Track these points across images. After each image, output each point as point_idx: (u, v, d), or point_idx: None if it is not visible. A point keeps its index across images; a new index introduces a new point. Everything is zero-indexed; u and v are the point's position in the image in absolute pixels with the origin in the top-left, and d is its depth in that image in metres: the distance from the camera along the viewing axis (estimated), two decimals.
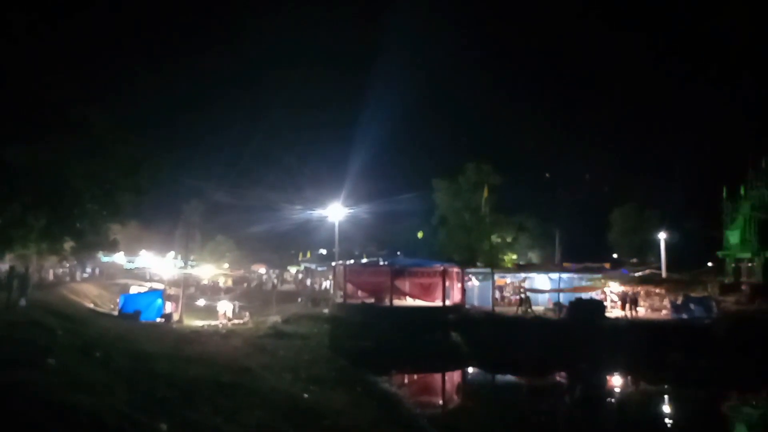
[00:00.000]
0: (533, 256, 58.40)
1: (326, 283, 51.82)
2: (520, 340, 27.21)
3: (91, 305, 32.40)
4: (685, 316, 30.84)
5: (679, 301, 32.62)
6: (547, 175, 56.10)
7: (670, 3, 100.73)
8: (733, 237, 40.35)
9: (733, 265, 40.60)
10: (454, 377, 26.31)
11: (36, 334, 15.37)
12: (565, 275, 37.21)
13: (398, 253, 56.82)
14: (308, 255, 68.70)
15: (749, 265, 39.55)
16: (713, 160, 59.05)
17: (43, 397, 8.89)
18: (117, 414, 9.24)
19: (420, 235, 58.53)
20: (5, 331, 14.69)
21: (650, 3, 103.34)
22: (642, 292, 35.77)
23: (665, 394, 23.10)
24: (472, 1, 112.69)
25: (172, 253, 51.01)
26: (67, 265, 41.39)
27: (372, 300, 33.13)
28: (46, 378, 10.35)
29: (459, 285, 35.09)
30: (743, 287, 35.26)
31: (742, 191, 40.13)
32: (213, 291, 49.55)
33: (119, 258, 48.67)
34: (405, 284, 33.56)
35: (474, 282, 39.58)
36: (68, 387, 10.04)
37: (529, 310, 32.69)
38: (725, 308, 31.25)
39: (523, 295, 34.69)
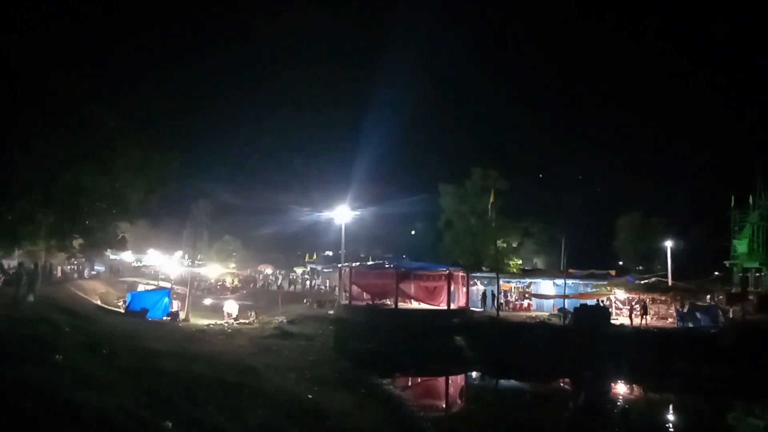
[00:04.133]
0: (538, 262, 58.27)
1: (325, 282, 52.06)
2: (524, 346, 27.20)
3: (99, 302, 32.59)
4: (691, 324, 30.69)
5: (686, 309, 32.48)
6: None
7: (680, 8, 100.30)
8: (741, 246, 40.19)
9: (740, 274, 40.42)
10: (457, 381, 26.29)
11: (43, 331, 15.50)
12: (570, 281, 37.15)
13: (404, 256, 56.84)
14: (314, 256, 68.83)
15: (757, 274, 39.39)
16: (721, 169, 58.74)
17: (49, 394, 8.98)
18: (122, 411, 9.33)
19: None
20: (13, 327, 14.82)
21: (659, 9, 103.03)
22: (648, 300, 35.65)
23: (670, 402, 22.99)
24: (479, 4, 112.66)
25: (179, 252, 51.19)
26: (75, 262, 41.66)
27: (377, 302, 33.17)
28: (53, 374, 10.45)
29: (464, 289, 35.12)
30: (750, 297, 35.09)
31: (750, 201, 39.98)
32: (219, 290, 49.74)
33: (127, 256, 48.93)
34: (410, 287, 33.58)
35: (479, 286, 39.58)
36: (74, 384, 10.14)
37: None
38: (732, 317, 31.10)
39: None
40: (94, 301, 32.20)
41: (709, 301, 35.06)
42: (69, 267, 43.01)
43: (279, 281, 56.27)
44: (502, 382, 26.52)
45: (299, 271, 64.16)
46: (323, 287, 52.72)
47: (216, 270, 53.56)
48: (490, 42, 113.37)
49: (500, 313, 33.92)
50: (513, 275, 44.49)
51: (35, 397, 8.62)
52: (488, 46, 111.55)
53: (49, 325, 17.05)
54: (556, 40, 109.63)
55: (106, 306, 31.99)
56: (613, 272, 44.89)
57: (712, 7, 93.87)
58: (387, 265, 36.56)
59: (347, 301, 34.11)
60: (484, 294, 37.61)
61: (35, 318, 17.60)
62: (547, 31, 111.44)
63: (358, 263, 41.35)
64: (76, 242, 27.37)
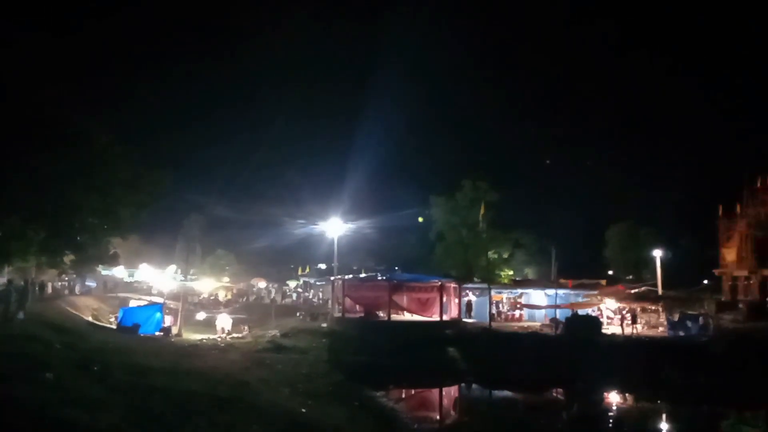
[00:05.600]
0: (530, 272, 58.39)
1: (318, 295, 51.92)
2: (517, 356, 27.24)
3: (90, 318, 32.42)
4: (681, 333, 30.84)
5: (676, 318, 32.63)
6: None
7: (669, 20, 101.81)
8: (729, 255, 40.46)
9: (729, 282, 40.66)
10: (451, 393, 26.29)
11: (33, 348, 15.42)
12: (561, 291, 37.29)
13: (396, 268, 56.86)
14: (307, 269, 68.66)
15: (746, 282, 39.62)
16: (708, 178, 59.34)
17: (39, 412, 8.95)
18: (113, 429, 9.31)
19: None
20: (2, 345, 14.74)
21: (650, 20, 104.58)
22: (638, 309, 35.81)
23: (662, 411, 23.10)
24: (471, 18, 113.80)
25: (172, 267, 50.95)
26: (66, 278, 41.39)
27: (370, 314, 33.16)
28: (43, 392, 10.42)
29: (456, 300, 35.18)
30: (740, 305, 35.31)
31: (737, 209, 40.32)
32: (212, 305, 49.50)
33: (119, 271, 48.66)
34: (403, 299, 33.64)
35: (471, 297, 39.67)
36: (65, 402, 10.09)
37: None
38: (722, 326, 31.27)
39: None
40: (86, 318, 32.04)
41: (699, 309, 35.18)
42: (60, 283, 42.74)
43: (272, 295, 56.13)
44: (496, 393, 26.53)
45: (292, 284, 64.00)
46: (316, 300, 52.60)
47: (209, 284, 53.37)
48: (481, 54, 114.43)
49: (492, 323, 33.98)
50: (504, 286, 44.57)
51: (26, 415, 8.60)
52: (479, 59, 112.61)
53: (40, 342, 16.98)
54: (546, 53, 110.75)
55: (97, 322, 31.83)
56: (603, 282, 45.08)
57: (701, 17, 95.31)
58: (379, 278, 36.61)
59: (340, 314, 34.10)
60: (468, 303, 37.71)
61: (25, 336, 17.52)
62: (538, 44, 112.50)
63: (350, 276, 41.35)
64: (68, 258, 27.23)
